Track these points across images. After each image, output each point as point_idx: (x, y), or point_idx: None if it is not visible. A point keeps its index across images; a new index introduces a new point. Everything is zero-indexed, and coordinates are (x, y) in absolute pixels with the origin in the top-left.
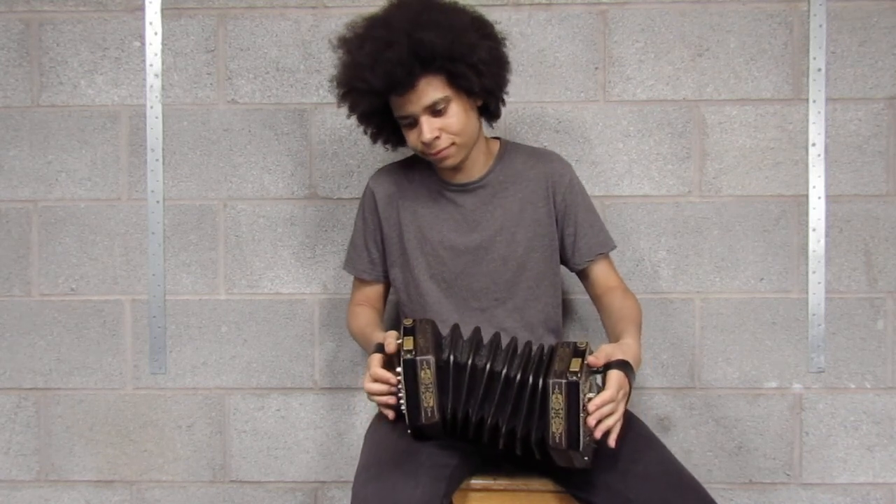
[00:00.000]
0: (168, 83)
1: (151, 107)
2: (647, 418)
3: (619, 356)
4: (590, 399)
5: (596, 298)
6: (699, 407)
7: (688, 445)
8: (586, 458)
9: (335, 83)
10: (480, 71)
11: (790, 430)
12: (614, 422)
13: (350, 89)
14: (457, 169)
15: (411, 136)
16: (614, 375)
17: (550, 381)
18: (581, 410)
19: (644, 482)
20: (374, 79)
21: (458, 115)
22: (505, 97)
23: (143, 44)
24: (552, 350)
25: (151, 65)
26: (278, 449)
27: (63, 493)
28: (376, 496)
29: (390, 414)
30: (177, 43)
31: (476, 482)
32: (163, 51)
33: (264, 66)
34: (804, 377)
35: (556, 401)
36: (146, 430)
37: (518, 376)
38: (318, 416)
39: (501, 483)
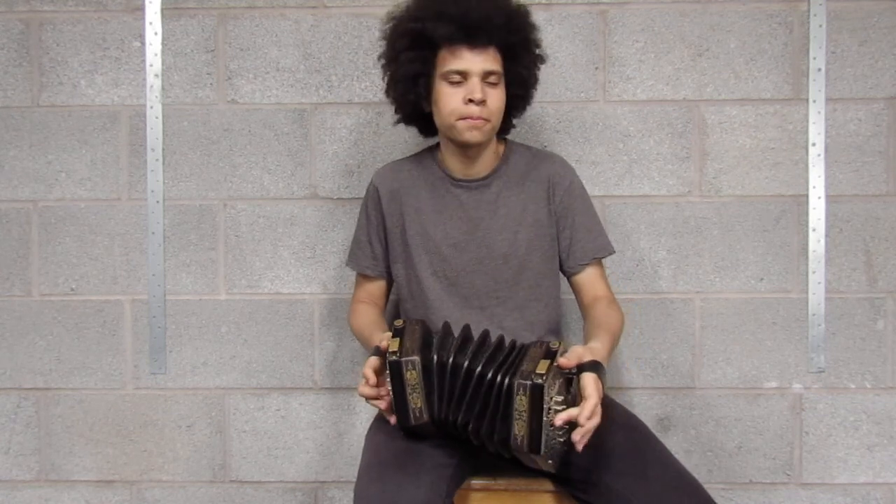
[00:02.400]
0: (168, 83)
1: (151, 107)
2: (647, 418)
3: (589, 357)
4: (556, 402)
5: (583, 307)
6: (699, 407)
7: (688, 445)
8: (550, 462)
9: (404, 13)
10: (534, 64)
11: (790, 429)
12: (594, 426)
13: (432, 15)
14: (470, 158)
15: (454, 96)
16: (591, 380)
17: (516, 382)
18: (545, 413)
19: (644, 482)
20: (480, 7)
21: (500, 97)
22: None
23: (143, 44)
24: (526, 349)
25: (151, 65)
26: (278, 449)
27: (63, 493)
28: (380, 497)
29: (392, 419)
30: (177, 43)
31: (476, 482)
32: (163, 51)
33: (264, 66)
34: (804, 377)
35: (520, 402)
36: (146, 430)
37: (488, 375)
38: (318, 416)
39: (501, 483)
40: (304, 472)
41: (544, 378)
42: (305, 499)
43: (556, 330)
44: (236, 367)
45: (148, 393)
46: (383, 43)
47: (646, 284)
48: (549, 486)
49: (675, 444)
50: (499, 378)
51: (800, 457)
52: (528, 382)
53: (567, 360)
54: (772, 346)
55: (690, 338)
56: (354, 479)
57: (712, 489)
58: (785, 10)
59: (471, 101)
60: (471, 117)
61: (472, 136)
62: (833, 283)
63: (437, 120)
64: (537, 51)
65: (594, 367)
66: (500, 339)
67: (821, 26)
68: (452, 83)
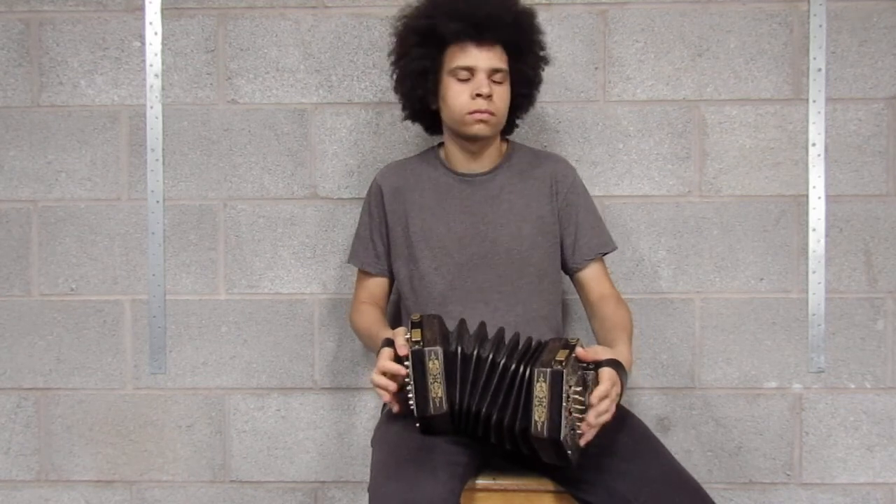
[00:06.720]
0: (168, 83)
1: (151, 107)
2: (647, 418)
3: (610, 356)
4: (576, 392)
5: (589, 305)
6: (699, 407)
7: (688, 445)
8: (570, 452)
9: (414, 12)
10: (539, 65)
11: (790, 430)
12: (607, 418)
13: (442, 13)
14: (475, 153)
15: (462, 92)
16: (607, 371)
17: (535, 370)
18: (564, 400)
19: (643, 482)
20: (489, 6)
21: (505, 95)
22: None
23: (143, 44)
24: (544, 343)
25: (151, 65)
26: (278, 449)
27: (63, 493)
28: (397, 495)
29: (395, 407)
30: (177, 43)
31: (477, 482)
32: (163, 51)
33: (264, 66)
34: (804, 377)
35: (540, 389)
36: (146, 430)
37: (511, 366)
38: (318, 416)
39: (501, 483)
40: (304, 472)
41: (563, 365)
42: (305, 499)
43: (557, 327)
44: (236, 367)
45: (148, 393)
46: (393, 41)
47: (646, 284)
48: (549, 485)
49: (675, 444)
50: (520, 368)
51: (800, 457)
52: (548, 369)
53: (585, 353)
54: (772, 346)
55: (690, 338)
56: (354, 479)
57: (712, 489)
58: (785, 10)
59: (478, 95)
60: (479, 111)
61: (480, 129)
62: (833, 283)
63: (445, 115)
64: (542, 52)
65: (613, 363)
66: (517, 336)
67: (821, 26)
68: (460, 80)
